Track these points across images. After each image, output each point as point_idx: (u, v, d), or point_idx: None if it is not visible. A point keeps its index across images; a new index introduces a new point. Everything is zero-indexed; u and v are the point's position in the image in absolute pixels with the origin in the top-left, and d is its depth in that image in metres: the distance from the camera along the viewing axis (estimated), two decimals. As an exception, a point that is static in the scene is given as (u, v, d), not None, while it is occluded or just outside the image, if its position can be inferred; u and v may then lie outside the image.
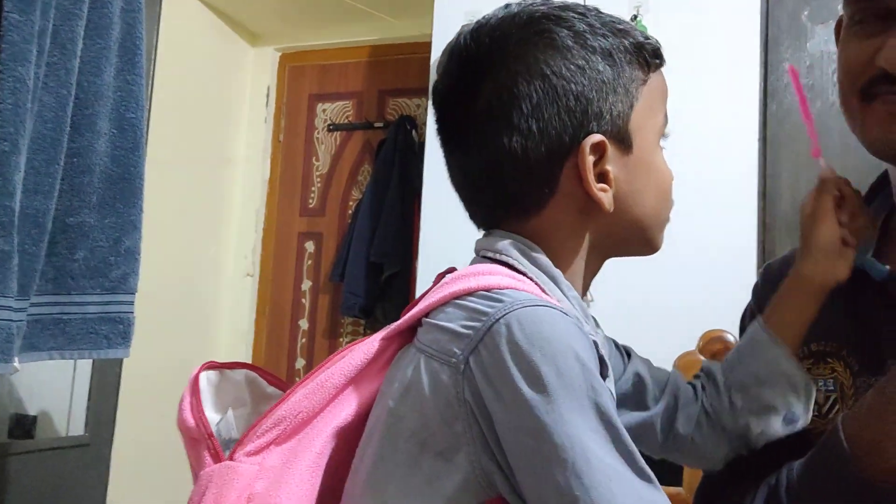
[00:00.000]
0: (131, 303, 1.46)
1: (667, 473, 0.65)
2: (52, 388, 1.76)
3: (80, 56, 1.38)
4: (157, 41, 2.13)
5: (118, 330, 1.42)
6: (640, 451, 0.54)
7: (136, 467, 2.23)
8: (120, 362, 1.87)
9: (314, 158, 3.06)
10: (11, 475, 1.62)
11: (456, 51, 0.66)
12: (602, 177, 0.62)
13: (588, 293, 0.69)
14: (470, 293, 0.58)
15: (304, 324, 2.97)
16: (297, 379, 0.61)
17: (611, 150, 0.62)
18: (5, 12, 1.22)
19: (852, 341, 0.74)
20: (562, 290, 0.62)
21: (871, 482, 0.60)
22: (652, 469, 0.54)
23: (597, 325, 0.70)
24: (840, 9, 0.75)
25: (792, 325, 0.72)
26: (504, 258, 0.62)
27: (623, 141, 0.63)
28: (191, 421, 0.60)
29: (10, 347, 1.24)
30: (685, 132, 1.07)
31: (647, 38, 0.66)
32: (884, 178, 0.79)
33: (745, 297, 0.87)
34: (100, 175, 1.42)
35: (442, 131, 0.68)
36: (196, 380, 0.62)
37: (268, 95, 3.10)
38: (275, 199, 3.07)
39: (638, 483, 0.52)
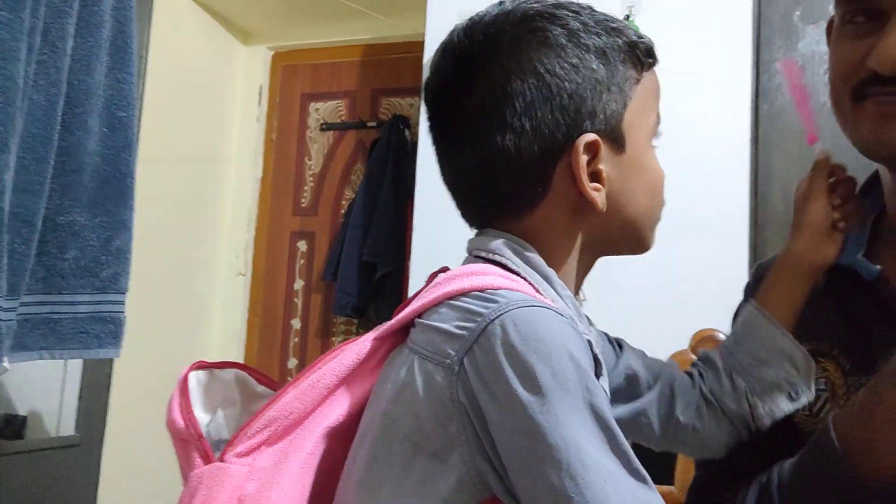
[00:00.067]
0: (122, 302, 1.46)
1: (658, 472, 0.65)
2: (43, 388, 1.75)
3: (70, 54, 1.37)
4: (148, 39, 2.12)
5: (109, 330, 1.42)
6: (639, 445, 0.54)
7: (126, 467, 2.22)
8: (111, 362, 1.87)
9: (307, 158, 3.05)
10: (1, 476, 1.61)
11: (449, 48, 0.66)
12: (595, 176, 0.62)
13: (580, 292, 0.69)
14: (464, 293, 0.57)
15: (296, 323, 2.97)
16: (290, 378, 0.60)
17: (604, 149, 0.62)
18: (-5, 10, 1.21)
19: (843, 341, 0.74)
20: (555, 290, 0.62)
21: (862, 481, 0.60)
22: (643, 467, 0.54)
23: (590, 323, 0.70)
24: (832, 9, 0.75)
25: (784, 305, 0.73)
26: (497, 258, 0.62)
27: (616, 140, 0.63)
28: (180, 422, 0.60)
29: (0, 347, 1.24)
30: (677, 131, 1.07)
31: (640, 36, 0.66)
32: (874, 179, 0.79)
33: (737, 296, 0.87)
34: (90, 174, 1.42)
35: (434, 129, 0.67)
36: (185, 380, 0.62)
37: (260, 94, 3.09)
38: (267, 199, 3.06)
39: (633, 483, 0.51)
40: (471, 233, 0.68)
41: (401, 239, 2.61)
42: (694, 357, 1.05)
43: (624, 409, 0.71)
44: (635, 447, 0.56)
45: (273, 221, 3.04)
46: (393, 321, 0.61)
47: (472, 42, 0.64)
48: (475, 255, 0.64)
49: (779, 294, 0.74)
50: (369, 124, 2.94)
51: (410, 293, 0.66)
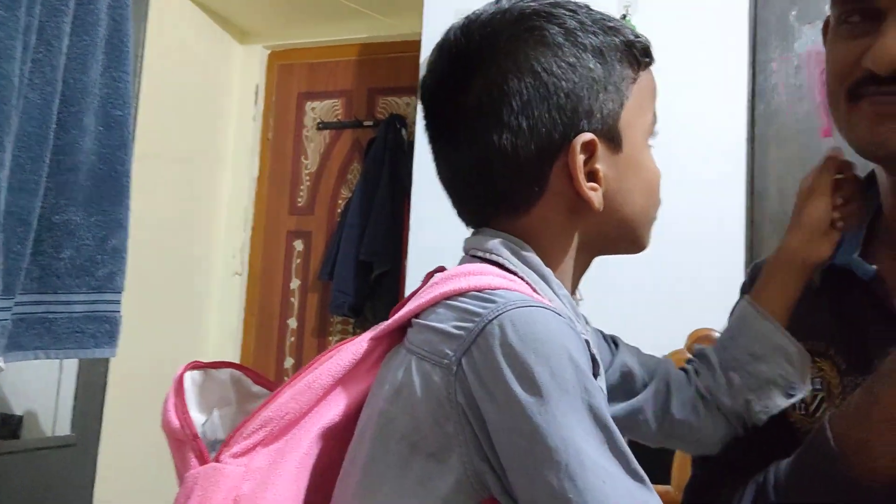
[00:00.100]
0: (118, 302, 1.45)
1: (655, 471, 0.65)
2: (38, 387, 1.75)
3: (66, 53, 1.37)
4: (144, 38, 2.12)
5: (104, 329, 1.41)
6: (635, 444, 0.54)
7: (123, 467, 2.21)
8: (106, 362, 1.86)
9: (303, 157, 3.05)
10: (-3, 475, 1.61)
11: (446, 46, 0.66)
12: (592, 175, 0.62)
13: (577, 291, 0.69)
14: (461, 293, 0.57)
15: (292, 323, 2.96)
16: (286, 378, 0.60)
17: (601, 148, 0.62)
18: (-10, 8, 1.21)
19: (839, 341, 0.74)
20: (553, 290, 0.62)
21: (858, 481, 0.60)
22: (641, 466, 0.54)
23: (586, 322, 0.70)
24: (828, 9, 0.75)
25: (778, 301, 0.73)
26: (494, 257, 0.62)
27: (613, 139, 0.63)
28: (175, 422, 0.60)
29: (-5, 347, 1.23)
30: (673, 131, 1.07)
31: (637, 36, 0.66)
32: (870, 179, 0.79)
33: (734, 296, 0.87)
34: (86, 173, 1.41)
35: (431, 127, 0.67)
36: (180, 380, 0.62)
37: (256, 93, 3.09)
38: (263, 198, 3.06)
39: (631, 484, 0.51)
40: (467, 232, 0.68)
41: (397, 238, 2.61)
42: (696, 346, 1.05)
43: (620, 407, 0.71)
44: (632, 445, 0.56)
45: (269, 220, 3.04)
46: (390, 321, 0.61)
47: (468, 40, 0.64)
48: (472, 254, 0.64)
49: (773, 290, 0.73)
50: (366, 123, 2.94)
51: (407, 292, 0.66)
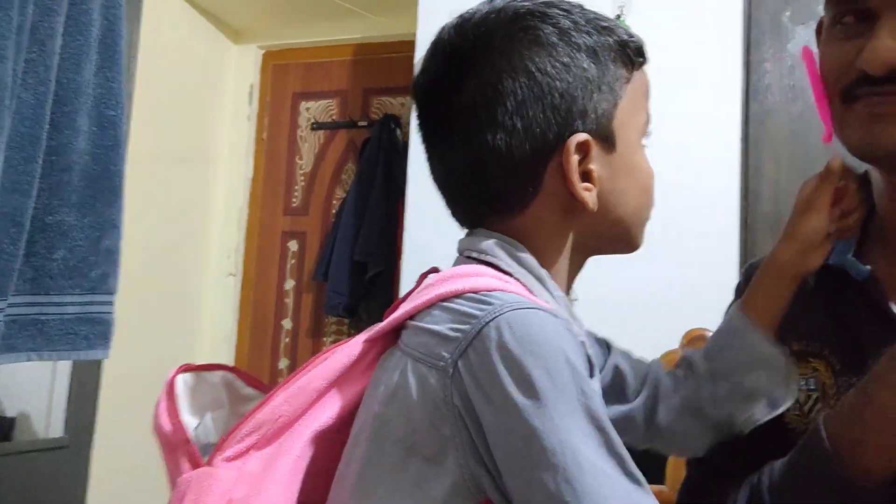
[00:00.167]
0: (111, 303, 1.44)
1: (649, 471, 0.65)
2: (31, 389, 1.74)
3: (59, 53, 1.36)
4: (138, 38, 2.11)
5: (98, 331, 1.41)
6: (624, 444, 0.54)
7: (116, 470, 2.21)
8: (100, 363, 1.85)
9: (298, 157, 3.04)
10: (-11, 477, 1.60)
11: (440, 46, 0.65)
12: (586, 176, 0.62)
13: (571, 292, 0.68)
14: (457, 295, 0.57)
15: (287, 324, 2.96)
16: (280, 379, 0.60)
17: (595, 148, 0.62)
18: (-18, 8, 1.20)
19: (834, 341, 0.74)
20: (549, 291, 0.62)
21: (853, 481, 0.60)
22: (636, 466, 0.54)
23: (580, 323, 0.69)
24: (821, 10, 0.75)
25: (768, 310, 0.72)
26: (489, 258, 0.62)
27: (607, 140, 0.63)
28: (167, 426, 0.59)
29: (-13, 348, 1.23)
30: (667, 131, 1.07)
31: (630, 35, 0.66)
32: (864, 179, 0.79)
33: (728, 296, 0.87)
34: (79, 173, 1.41)
35: (425, 127, 0.67)
36: (172, 383, 0.61)
37: (251, 93, 3.08)
38: (258, 198, 3.05)
39: (628, 486, 0.51)
40: (462, 232, 0.68)
41: (392, 238, 2.61)
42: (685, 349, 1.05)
43: (612, 412, 0.71)
44: (627, 445, 0.56)
45: (264, 221, 3.03)
46: (384, 323, 0.61)
47: (462, 40, 0.64)
48: (466, 255, 0.64)
49: (763, 299, 0.73)
50: (360, 124, 2.93)
51: (402, 293, 0.65)
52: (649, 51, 0.68)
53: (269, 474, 0.56)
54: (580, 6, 0.65)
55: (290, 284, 2.98)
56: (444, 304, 0.57)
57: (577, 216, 0.63)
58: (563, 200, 0.62)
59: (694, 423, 0.73)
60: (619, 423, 0.71)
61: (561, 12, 0.63)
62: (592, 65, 0.62)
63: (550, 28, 0.62)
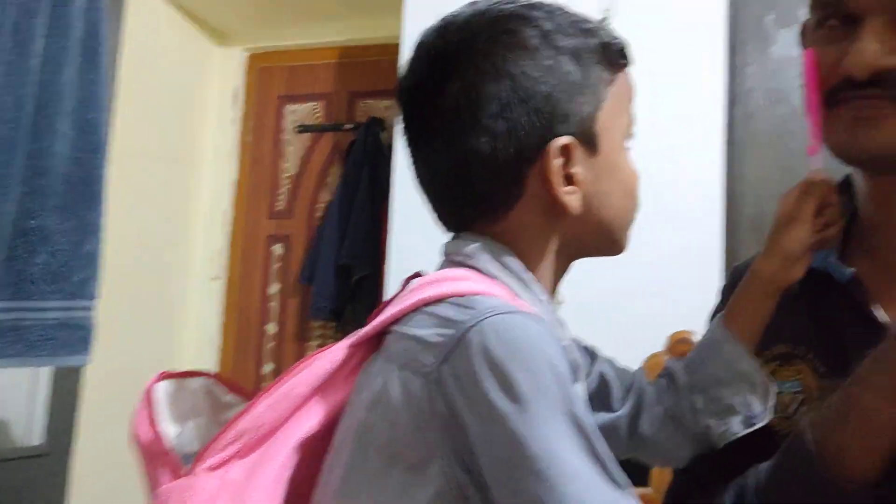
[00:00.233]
0: (92, 308, 1.43)
1: (635, 474, 0.65)
2: (10, 395, 1.72)
3: (39, 55, 1.35)
4: (120, 40, 2.10)
5: (78, 337, 1.39)
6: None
7: (96, 478, 2.17)
8: (81, 369, 1.83)
9: (282, 160, 3.03)
10: (-32, 486, 1.58)
11: (423, 48, 0.65)
12: (569, 179, 0.62)
13: (557, 295, 0.68)
14: (440, 300, 0.57)
15: (272, 328, 2.94)
16: (265, 384, 0.59)
17: (578, 151, 0.62)
18: (-40, 9, 1.19)
19: (817, 344, 0.75)
20: (534, 294, 0.62)
21: (837, 483, 0.60)
22: (621, 468, 0.54)
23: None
24: (805, 14, 0.76)
25: (749, 324, 0.72)
26: (473, 262, 0.62)
27: (590, 142, 0.63)
28: (145, 436, 0.58)
29: (-34, 355, 1.21)
30: (651, 134, 1.07)
31: (613, 37, 0.66)
32: (846, 182, 0.80)
33: (711, 298, 0.87)
34: (60, 177, 1.39)
35: (408, 130, 0.67)
36: (150, 391, 0.60)
37: (235, 96, 3.06)
38: (242, 202, 3.03)
39: (613, 492, 0.51)
40: (447, 235, 0.67)
41: (377, 241, 2.60)
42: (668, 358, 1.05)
43: (596, 420, 0.71)
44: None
45: (248, 224, 3.01)
46: (367, 328, 0.60)
47: (446, 43, 0.63)
48: (451, 259, 0.64)
49: (746, 312, 0.73)
50: (346, 127, 2.92)
51: (387, 297, 0.65)
52: (632, 54, 0.68)
53: (253, 483, 0.56)
54: (563, 9, 0.65)
55: (274, 288, 2.96)
56: (427, 308, 0.57)
57: (561, 219, 0.63)
58: (547, 203, 0.62)
59: (675, 434, 0.73)
60: (602, 431, 0.70)
61: (544, 15, 0.63)
62: (575, 67, 0.62)
63: (533, 31, 0.62)
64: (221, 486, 0.55)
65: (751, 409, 0.71)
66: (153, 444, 0.58)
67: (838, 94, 0.69)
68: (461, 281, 0.59)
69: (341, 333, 2.64)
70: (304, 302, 2.86)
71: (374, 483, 0.55)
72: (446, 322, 0.55)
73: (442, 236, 0.68)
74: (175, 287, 2.86)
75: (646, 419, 0.73)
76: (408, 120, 0.67)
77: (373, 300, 2.58)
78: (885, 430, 0.59)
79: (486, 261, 0.61)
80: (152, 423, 0.59)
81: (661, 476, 1.14)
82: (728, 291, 0.82)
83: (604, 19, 0.64)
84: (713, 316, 0.86)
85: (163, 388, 0.61)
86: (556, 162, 0.61)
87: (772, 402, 0.72)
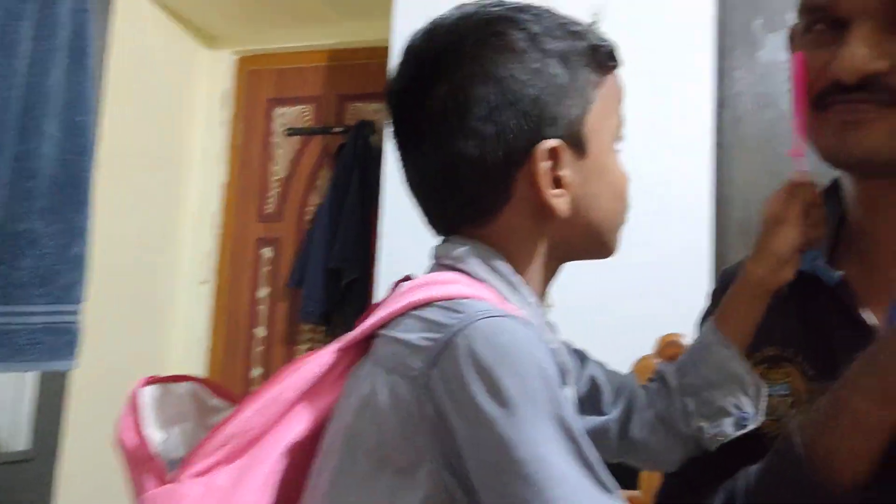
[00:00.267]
0: (79, 312, 1.42)
1: (623, 477, 0.65)
2: (-4, 400, 1.70)
3: (26, 57, 1.34)
4: (108, 43, 2.08)
5: (64, 341, 1.38)
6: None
7: (82, 483, 2.16)
8: (67, 374, 1.82)
9: (272, 163, 3.02)
10: (-48, 492, 1.56)
11: (411, 51, 0.65)
12: (557, 182, 0.62)
13: (547, 298, 0.68)
14: (428, 303, 0.57)
15: (261, 331, 2.93)
16: (254, 388, 0.59)
17: (566, 154, 0.62)
18: (-55, 11, 1.18)
19: (806, 347, 0.75)
20: (523, 297, 0.62)
21: (825, 485, 0.61)
22: (610, 471, 0.53)
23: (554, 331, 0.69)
24: (793, 18, 0.76)
25: (740, 326, 0.73)
26: (462, 266, 0.61)
27: (578, 145, 0.63)
28: (130, 441, 0.58)
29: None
30: (640, 137, 1.08)
31: (602, 39, 0.66)
32: (834, 186, 0.80)
33: (700, 301, 0.88)
34: (47, 180, 1.38)
35: (397, 133, 0.67)
36: (135, 396, 0.60)
37: (224, 99, 3.05)
38: (231, 205, 3.02)
39: (600, 496, 0.51)
40: (437, 238, 0.67)
41: (367, 245, 2.59)
42: (659, 361, 1.05)
43: (586, 423, 0.71)
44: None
45: (237, 228, 3.00)
46: (356, 332, 0.60)
47: (434, 45, 0.63)
48: (440, 262, 0.64)
49: (737, 316, 0.73)
50: (335, 130, 2.92)
51: (377, 300, 0.65)
52: (622, 57, 0.68)
53: (240, 489, 0.55)
54: (551, 11, 0.65)
55: (263, 292, 2.95)
56: (416, 312, 0.57)
57: (550, 222, 0.63)
58: (535, 206, 0.62)
59: (666, 437, 0.73)
60: (593, 434, 0.70)
61: (531, 18, 0.63)
62: (563, 70, 0.62)
63: (521, 34, 0.62)
64: (206, 493, 0.54)
65: (742, 411, 0.71)
66: (138, 449, 0.57)
67: (826, 99, 0.70)
68: (450, 284, 0.58)
69: (331, 337, 2.63)
70: (294, 305, 2.85)
71: (363, 487, 0.55)
72: (434, 326, 0.55)
73: (431, 239, 0.67)
74: (163, 290, 2.84)
75: (636, 422, 0.73)
76: (397, 123, 0.67)
77: (362, 304, 2.57)
78: (874, 433, 0.60)
79: (475, 264, 0.61)
80: (137, 428, 0.58)
81: (650, 479, 1.14)
82: (717, 295, 0.82)
83: (593, 22, 0.64)
84: (703, 319, 0.86)
85: (148, 393, 0.60)
86: (544, 165, 0.61)
87: (763, 403, 0.72)
